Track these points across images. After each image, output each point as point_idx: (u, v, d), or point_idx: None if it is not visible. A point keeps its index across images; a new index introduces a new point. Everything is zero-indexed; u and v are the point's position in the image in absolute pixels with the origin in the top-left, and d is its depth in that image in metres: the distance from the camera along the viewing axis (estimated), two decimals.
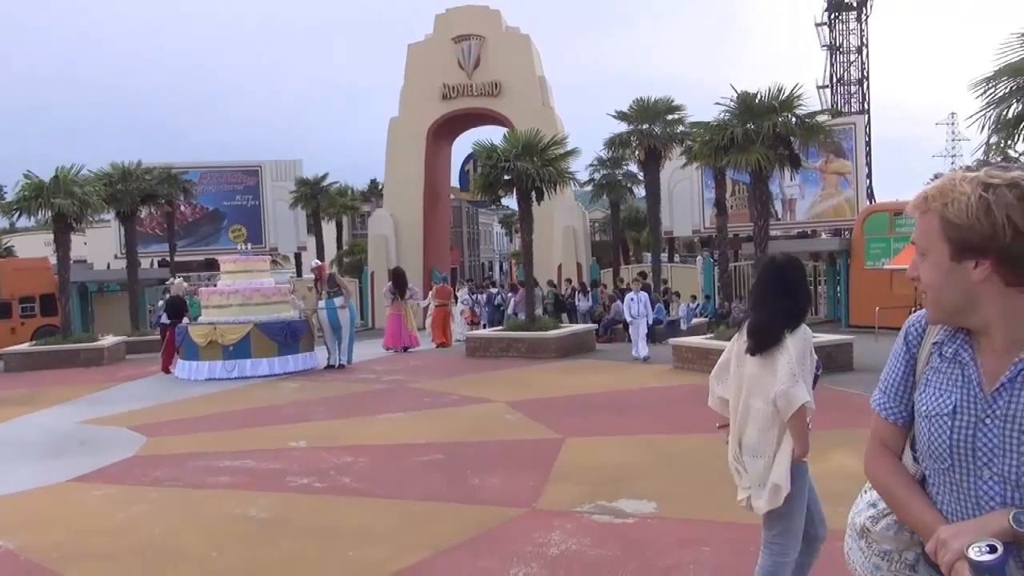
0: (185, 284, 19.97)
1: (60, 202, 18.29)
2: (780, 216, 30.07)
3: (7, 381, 15.97)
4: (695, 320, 22.28)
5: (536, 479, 6.89)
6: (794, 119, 13.30)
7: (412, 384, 13.12)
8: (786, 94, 13.32)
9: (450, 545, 5.36)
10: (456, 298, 22.90)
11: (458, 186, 39.71)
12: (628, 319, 16.89)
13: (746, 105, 13.41)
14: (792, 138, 13.41)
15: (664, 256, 38.94)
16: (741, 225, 27.11)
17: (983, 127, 8.29)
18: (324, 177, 37.26)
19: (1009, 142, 8.84)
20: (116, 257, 36.61)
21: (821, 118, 14.74)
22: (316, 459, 7.93)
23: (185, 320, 15.83)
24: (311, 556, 5.25)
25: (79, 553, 5.42)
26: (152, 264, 36.59)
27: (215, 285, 16.38)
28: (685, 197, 33.37)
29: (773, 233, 30.75)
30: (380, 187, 71.92)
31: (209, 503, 6.61)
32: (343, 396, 12.20)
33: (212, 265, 36.47)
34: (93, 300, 30.99)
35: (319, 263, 17.71)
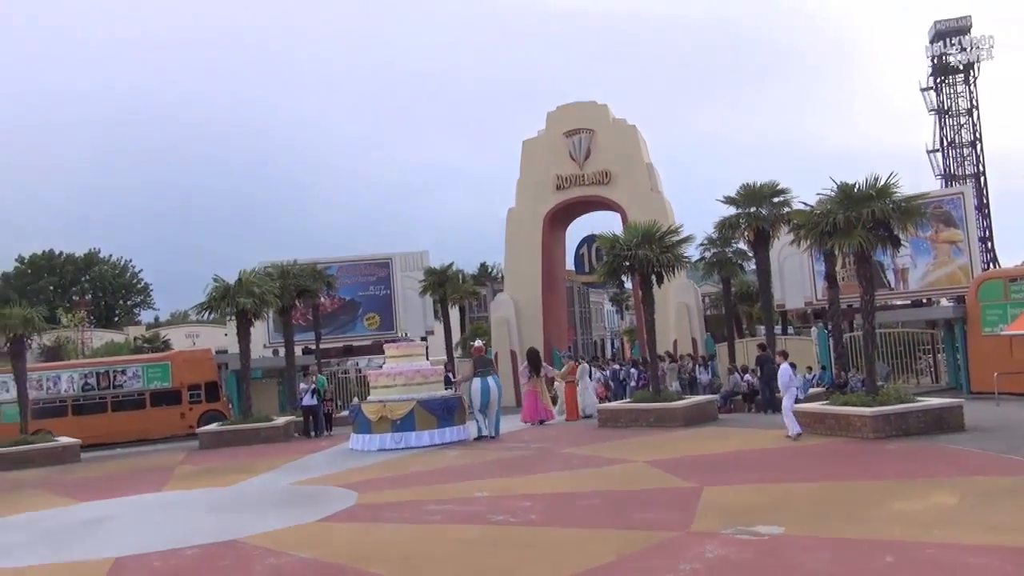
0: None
1: (243, 301, 21.39)
2: (893, 286, 30.71)
3: (209, 456, 18.80)
4: (812, 390, 23.25)
5: (685, 514, 8.66)
6: (891, 204, 14.83)
7: (559, 450, 15.03)
8: (882, 183, 14.89)
9: (627, 554, 7.21)
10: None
11: (574, 269, 41.94)
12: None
13: (846, 194, 15.05)
14: (891, 221, 14.91)
15: (778, 328, 39.71)
16: (853, 296, 27.82)
17: None
18: (450, 266, 40.11)
19: None
20: (264, 347, 40.21)
21: (922, 194, 16.13)
22: (501, 504, 9.92)
23: (355, 400, 18.30)
24: (525, 561, 7.22)
25: (362, 558, 7.56)
26: (296, 352, 39.97)
27: (380, 367, 18.86)
28: (795, 270, 34.34)
29: (892, 302, 31.48)
30: (490, 271, 75.51)
31: (433, 531, 8.70)
32: (502, 460, 14.24)
33: (350, 351, 39.61)
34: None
35: (480, 343, 20.21)
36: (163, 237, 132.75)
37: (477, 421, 18.10)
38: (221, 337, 53.73)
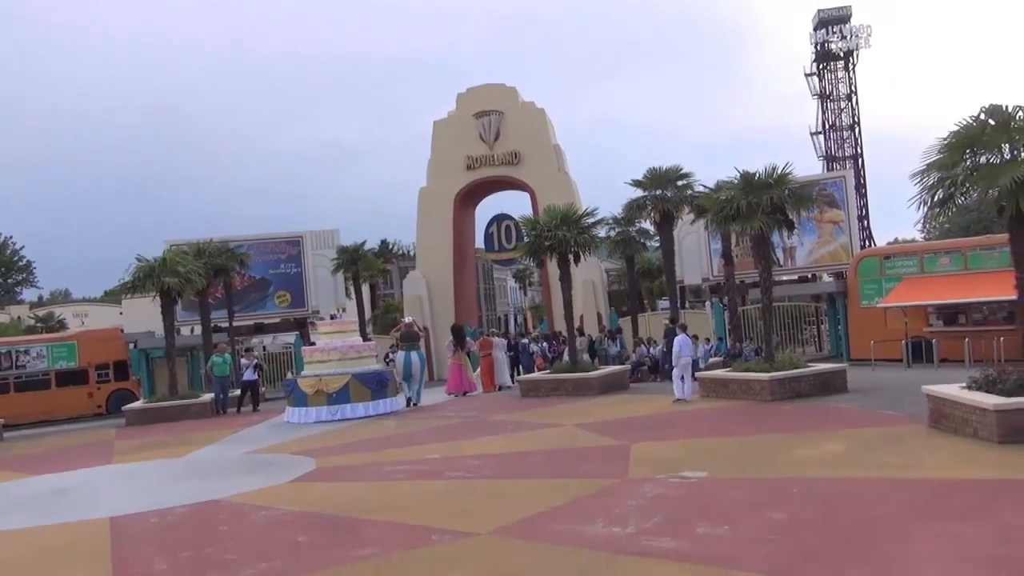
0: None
1: (168, 280, 21.57)
2: (782, 263, 33.10)
3: (141, 432, 19.09)
4: (711, 359, 25.13)
5: (620, 465, 9.98)
6: (787, 191, 16.56)
7: (490, 417, 16.21)
8: (779, 172, 16.62)
9: (579, 496, 8.45)
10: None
11: (483, 247, 43.04)
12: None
13: (747, 182, 16.70)
14: (787, 206, 16.65)
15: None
16: (746, 272, 30.13)
17: (920, 205, 11.55)
18: (362, 244, 40.54)
19: (940, 217, 12.22)
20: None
21: (810, 183, 17.92)
22: (454, 463, 11.03)
23: (290, 374, 18.98)
24: (495, 505, 8.35)
25: (349, 509, 8.54)
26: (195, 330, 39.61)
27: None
28: (693, 248, 36.46)
29: (780, 278, 33.92)
30: (391, 247, 75.63)
31: (401, 487, 9.74)
32: (440, 427, 15.31)
33: (261, 329, 39.55)
34: (154, 364, 34.12)
35: (411, 319, 21.29)
36: (40, 211, 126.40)
37: (404, 390, 19.55)
38: (115, 316, 52.33)
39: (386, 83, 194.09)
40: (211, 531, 8.05)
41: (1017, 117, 10.54)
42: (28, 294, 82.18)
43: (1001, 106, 10.77)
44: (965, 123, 11.03)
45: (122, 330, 37.87)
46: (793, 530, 6.74)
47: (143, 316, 41.52)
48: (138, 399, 26.18)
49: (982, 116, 10.91)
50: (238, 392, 23.03)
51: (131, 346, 33.07)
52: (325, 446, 13.89)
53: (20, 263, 79.77)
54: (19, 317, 60.90)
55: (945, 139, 11.20)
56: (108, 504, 9.98)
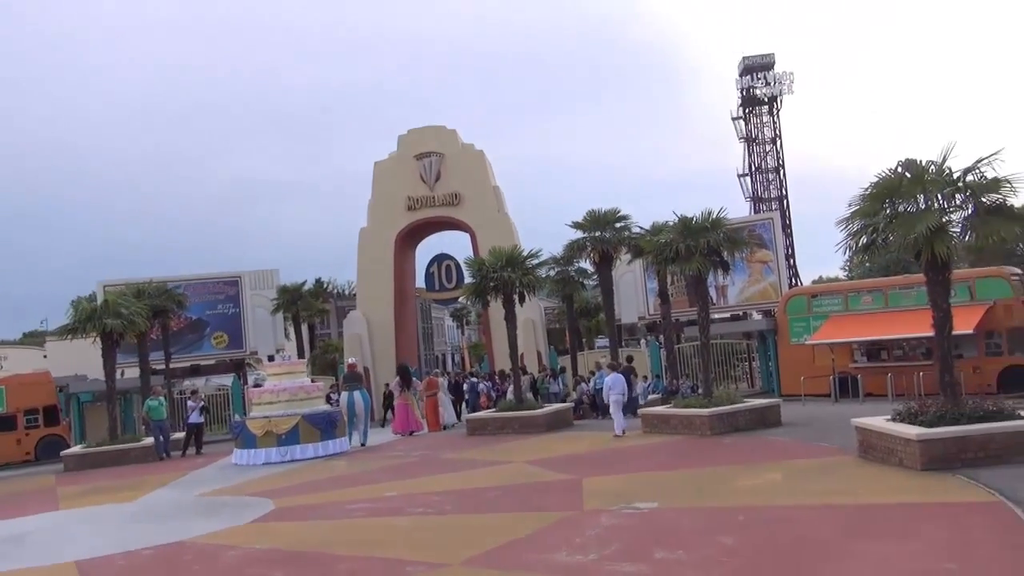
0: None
1: (110, 322, 21.37)
2: (715, 301, 34.25)
3: (83, 477, 18.79)
4: (651, 397, 25.85)
5: (575, 498, 10.46)
6: (722, 235, 17.50)
7: (440, 456, 16.52)
8: (715, 216, 17.57)
9: (540, 528, 8.90)
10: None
11: (424, 286, 43.35)
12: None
13: (685, 225, 17.60)
14: (722, 248, 17.58)
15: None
16: (681, 311, 31.17)
17: (846, 250, 12.53)
18: (303, 284, 40.51)
19: (863, 259, 13.30)
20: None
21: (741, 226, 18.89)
22: (414, 500, 11.34)
23: (238, 416, 18.96)
24: (461, 537, 8.74)
25: (317, 545, 8.79)
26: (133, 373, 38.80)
27: (260, 385, 19.65)
28: (630, 287, 37.43)
29: (712, 316, 35.04)
30: (325, 286, 75.29)
31: (366, 523, 10.02)
32: (392, 466, 15.57)
33: (197, 371, 38.95)
34: (84, 409, 33.35)
35: (354, 360, 21.39)
36: None
37: (349, 431, 19.73)
38: (37, 359, 50.74)
39: (309, 117, 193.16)
40: (183, 572, 8.23)
41: (930, 171, 11.54)
42: None
43: (916, 160, 11.79)
44: (884, 175, 12.02)
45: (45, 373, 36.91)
46: (742, 553, 7.32)
47: (69, 359, 40.33)
48: (69, 445, 25.68)
49: (899, 169, 11.90)
50: (182, 435, 22.85)
51: (59, 390, 32.30)
52: (280, 487, 14.01)
53: None
54: None
55: (867, 189, 12.17)
56: (70, 549, 9.98)
